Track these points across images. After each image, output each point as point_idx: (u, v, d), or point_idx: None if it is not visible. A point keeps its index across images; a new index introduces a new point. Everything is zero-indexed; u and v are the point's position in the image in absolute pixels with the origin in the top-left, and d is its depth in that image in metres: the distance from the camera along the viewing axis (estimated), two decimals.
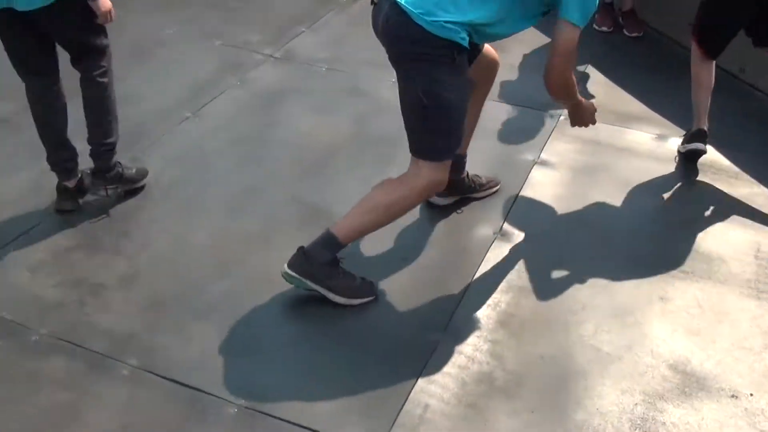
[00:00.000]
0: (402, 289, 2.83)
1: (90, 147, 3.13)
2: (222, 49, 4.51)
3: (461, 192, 3.25)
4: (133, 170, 3.28)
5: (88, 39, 3.00)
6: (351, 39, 4.71)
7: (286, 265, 2.68)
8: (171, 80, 4.16)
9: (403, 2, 2.43)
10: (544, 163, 3.55)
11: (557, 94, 2.71)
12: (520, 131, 3.79)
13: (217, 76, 4.21)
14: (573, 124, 2.98)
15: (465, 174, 3.23)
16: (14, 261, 2.92)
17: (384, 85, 4.20)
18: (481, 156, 3.41)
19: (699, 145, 3.47)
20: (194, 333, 2.62)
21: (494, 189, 3.36)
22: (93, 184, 3.19)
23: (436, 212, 3.21)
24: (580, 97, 2.82)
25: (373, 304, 2.76)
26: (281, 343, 2.60)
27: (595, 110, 2.95)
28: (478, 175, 3.31)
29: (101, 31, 3.02)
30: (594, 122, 2.97)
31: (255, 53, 4.48)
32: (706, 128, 3.49)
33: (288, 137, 3.72)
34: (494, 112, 3.78)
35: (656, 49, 4.69)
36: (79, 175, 3.14)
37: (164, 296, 2.77)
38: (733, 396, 2.44)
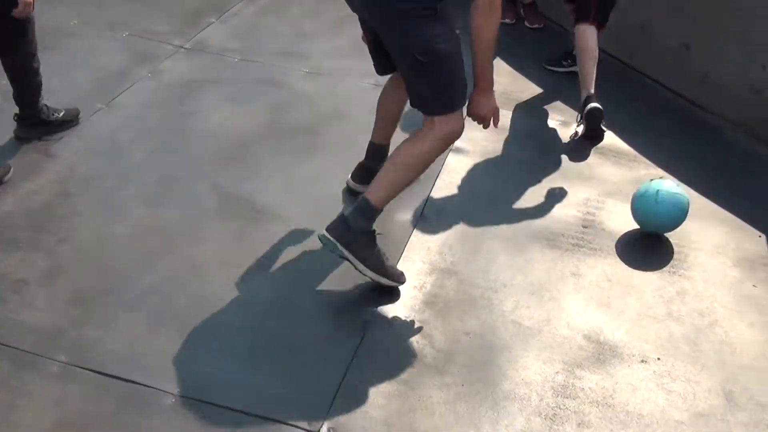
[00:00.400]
0: (331, 276, 2.87)
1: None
2: (130, 39, 4.42)
3: None
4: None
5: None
6: (261, 29, 4.70)
7: (324, 229, 2.69)
8: (80, 72, 4.05)
9: None
10: (458, 151, 3.66)
11: (482, 19, 2.57)
12: None
13: (128, 68, 4.12)
14: (471, 111, 2.80)
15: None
16: None
17: (297, 75, 4.25)
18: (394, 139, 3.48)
19: (595, 104, 3.71)
20: (124, 326, 2.58)
21: None
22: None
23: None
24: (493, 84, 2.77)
25: (304, 292, 2.79)
26: (214, 331, 2.60)
27: (496, 115, 2.83)
28: None
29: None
30: (487, 125, 2.84)
31: (165, 44, 4.41)
32: (593, 93, 3.75)
33: (204, 128, 3.69)
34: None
35: (556, 40, 4.89)
36: None
37: (89, 290, 2.71)
38: (642, 361, 2.62)
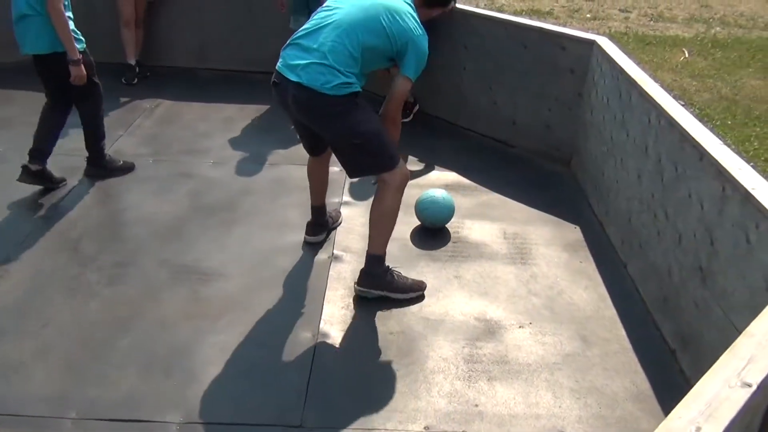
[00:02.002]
0: (278, 309, 3.04)
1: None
2: (56, 158, 4.36)
3: (327, 229, 3.58)
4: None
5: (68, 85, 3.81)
6: (165, 135, 4.80)
7: (355, 285, 3.05)
8: (15, 190, 3.92)
9: (303, 81, 2.67)
10: (348, 204, 3.95)
11: (389, 130, 2.91)
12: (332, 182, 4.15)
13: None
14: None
15: (327, 215, 3.57)
16: None
17: (205, 166, 4.39)
18: (300, 204, 3.72)
19: None
20: (117, 380, 2.60)
21: (341, 218, 3.72)
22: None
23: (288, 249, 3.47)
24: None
25: (261, 325, 2.93)
26: (193, 368, 2.68)
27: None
28: (336, 209, 3.70)
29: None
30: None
31: (84, 157, 4.39)
32: None
33: (139, 217, 3.74)
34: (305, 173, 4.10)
35: None
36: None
37: (79, 359, 2.71)
38: (520, 327, 2.98)
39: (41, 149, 3.92)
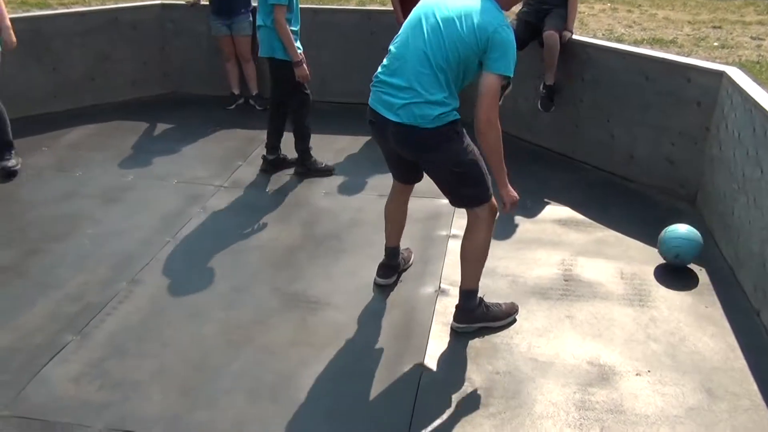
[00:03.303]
0: (382, 341, 3.03)
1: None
2: (179, 186, 4.64)
3: (399, 271, 3.52)
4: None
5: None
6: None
7: (453, 323, 3.05)
8: (144, 216, 4.22)
9: (404, 121, 2.67)
10: (455, 236, 3.91)
11: (489, 135, 2.65)
12: (434, 216, 4.14)
13: (183, 207, 4.32)
14: (503, 197, 2.84)
15: (401, 256, 3.50)
16: (57, 376, 2.88)
17: (318, 196, 4.50)
18: (408, 235, 3.72)
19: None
20: (226, 406, 2.67)
21: (412, 258, 3.65)
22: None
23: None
24: (507, 179, 2.81)
25: (365, 357, 2.93)
26: (299, 398, 2.69)
27: (515, 203, 2.86)
28: (408, 249, 3.62)
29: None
30: (507, 210, 2.88)
31: (207, 185, 4.64)
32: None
33: (255, 244, 3.87)
34: (414, 204, 4.12)
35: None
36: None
37: (194, 382, 2.80)
38: (637, 374, 2.80)
39: (272, 143, 4.80)
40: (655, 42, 6.57)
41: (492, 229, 2.96)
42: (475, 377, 2.81)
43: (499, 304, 3.10)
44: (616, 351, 2.93)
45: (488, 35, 2.58)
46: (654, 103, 4.28)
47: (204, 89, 6.48)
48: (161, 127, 5.76)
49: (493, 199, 2.91)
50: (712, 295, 3.32)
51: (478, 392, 2.72)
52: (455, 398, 2.69)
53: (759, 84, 3.62)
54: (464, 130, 2.81)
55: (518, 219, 4.12)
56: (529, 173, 4.74)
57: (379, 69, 2.85)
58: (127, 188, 4.61)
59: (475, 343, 3.00)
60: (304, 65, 4.39)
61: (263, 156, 4.86)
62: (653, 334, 3.04)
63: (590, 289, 3.39)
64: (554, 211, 4.24)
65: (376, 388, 2.75)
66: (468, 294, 3.02)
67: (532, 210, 4.25)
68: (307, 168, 4.78)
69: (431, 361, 2.90)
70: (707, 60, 4.87)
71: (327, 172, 4.80)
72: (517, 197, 2.86)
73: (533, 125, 5.19)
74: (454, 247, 3.78)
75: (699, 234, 3.52)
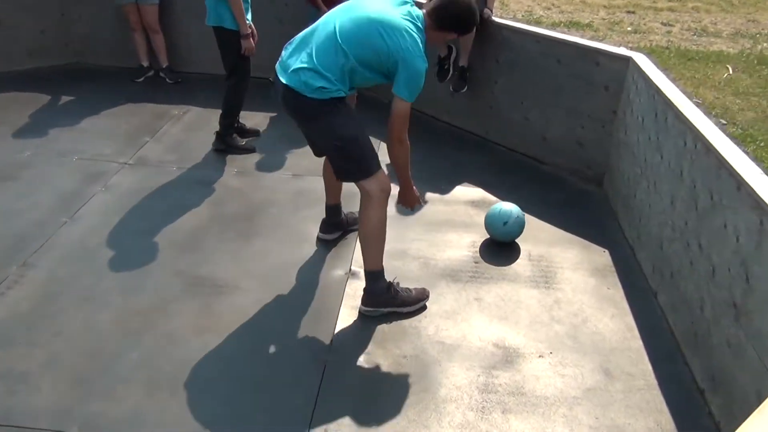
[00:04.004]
0: (290, 326, 2.97)
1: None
2: (80, 163, 4.39)
3: (343, 228, 3.60)
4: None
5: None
6: (190, 142, 4.79)
7: (361, 306, 3.01)
8: (41, 194, 3.98)
9: (289, 84, 2.73)
10: None
11: (398, 151, 2.82)
12: (347, 196, 4.07)
13: (82, 186, 4.09)
14: (399, 201, 3.10)
15: (343, 215, 3.57)
16: None
17: (229, 175, 4.35)
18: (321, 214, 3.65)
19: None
20: (123, 396, 2.56)
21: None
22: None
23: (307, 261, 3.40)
24: (412, 184, 3.03)
25: (268, 342, 2.86)
26: (199, 387, 2.61)
27: (419, 199, 3.11)
28: (352, 212, 3.62)
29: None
30: (414, 205, 3.12)
31: (111, 162, 4.41)
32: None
33: (159, 225, 3.71)
34: None
35: (424, 127, 5.25)
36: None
37: (87, 372, 2.67)
38: (540, 356, 2.85)
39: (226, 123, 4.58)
40: (572, 25, 6.69)
41: (384, 208, 2.92)
42: (381, 361, 2.79)
43: (410, 290, 3.09)
44: (521, 333, 2.98)
45: (400, 58, 2.65)
46: (566, 86, 4.35)
47: (110, 60, 6.17)
48: (63, 100, 5.44)
49: (383, 176, 2.90)
50: (614, 277, 3.42)
51: (384, 376, 2.71)
52: (361, 384, 2.67)
53: (663, 70, 3.73)
54: (349, 106, 2.87)
55: (431, 200, 4.11)
56: (444, 155, 4.75)
57: (295, 37, 2.91)
58: (23, 165, 4.34)
59: (383, 327, 2.98)
60: (251, 39, 4.28)
61: (216, 132, 4.64)
62: (557, 316, 3.10)
63: (499, 271, 3.43)
64: (467, 192, 4.26)
65: (280, 373, 2.69)
66: (372, 276, 2.99)
67: (445, 191, 4.26)
68: (227, 144, 4.61)
69: (338, 345, 2.86)
70: (619, 44, 4.98)
71: (247, 151, 4.64)
72: (417, 199, 3.11)
73: (451, 107, 5.20)
74: None
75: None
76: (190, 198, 4.02)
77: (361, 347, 2.86)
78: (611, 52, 4.08)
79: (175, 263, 3.38)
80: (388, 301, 3.01)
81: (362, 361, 2.78)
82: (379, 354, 2.83)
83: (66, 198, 3.95)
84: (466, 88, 4.86)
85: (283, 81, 2.78)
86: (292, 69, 2.77)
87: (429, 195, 4.18)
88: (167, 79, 5.93)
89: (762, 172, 2.47)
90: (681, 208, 3.00)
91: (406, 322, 3.01)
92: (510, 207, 3.62)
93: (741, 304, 2.38)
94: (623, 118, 4.00)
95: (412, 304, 3.05)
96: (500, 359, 2.82)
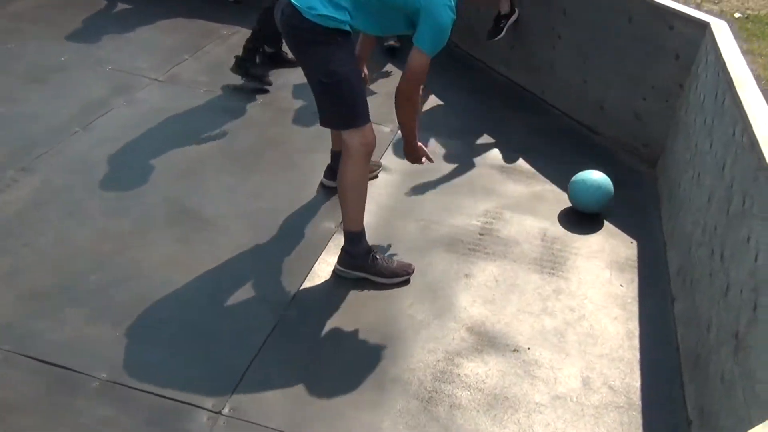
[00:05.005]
0: (255, 277, 2.80)
1: None
2: (112, 73, 4.34)
3: None
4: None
5: None
6: (227, 65, 4.56)
7: (336, 264, 2.79)
8: (65, 100, 3.96)
9: (294, 1, 2.44)
10: (384, 169, 3.59)
11: (403, 109, 2.60)
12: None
13: (107, 97, 4.03)
14: (405, 156, 2.89)
15: None
16: None
17: (252, 104, 4.18)
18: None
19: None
20: (67, 319, 2.49)
21: (375, 172, 3.43)
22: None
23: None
24: (418, 141, 2.81)
25: (229, 290, 2.71)
26: (144, 324, 2.51)
27: (426, 154, 2.86)
28: None
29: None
30: (421, 161, 2.88)
31: (142, 77, 4.33)
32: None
33: (164, 149, 3.59)
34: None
35: (478, 75, 4.84)
36: None
37: (44, 287, 2.62)
38: (514, 350, 2.55)
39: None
40: None
41: (365, 166, 2.67)
42: (339, 326, 2.58)
43: (391, 261, 2.83)
44: (502, 321, 2.67)
45: (422, 5, 2.40)
46: (633, 49, 3.81)
47: None
48: (119, 7, 5.39)
49: (369, 131, 2.62)
50: (633, 273, 3.01)
51: (335, 344, 2.50)
52: (307, 348, 2.48)
53: (740, 43, 3.16)
54: (351, 46, 2.56)
55: (456, 160, 3.78)
56: (489, 108, 4.36)
57: None
58: (57, 69, 4.33)
59: (356, 291, 2.76)
60: None
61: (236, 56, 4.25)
62: (551, 308, 2.77)
63: (503, 248, 3.09)
64: (500, 155, 3.88)
65: (230, 325, 2.54)
66: (350, 236, 2.76)
67: (476, 150, 3.91)
68: (244, 70, 4.23)
69: (297, 306, 2.66)
70: (696, 8, 4.33)
71: (262, 84, 4.26)
72: (425, 151, 2.85)
73: (510, 58, 4.74)
74: (371, 181, 3.49)
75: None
76: (206, 124, 3.88)
77: (324, 308, 2.66)
78: (688, 15, 3.51)
79: (167, 190, 3.27)
80: (365, 267, 2.77)
81: (318, 323, 2.59)
82: (339, 319, 2.62)
83: (87, 107, 3.91)
84: (500, 36, 4.42)
85: None
86: None
87: (457, 152, 3.84)
88: None
89: None
90: (715, 209, 2.55)
91: (380, 290, 2.76)
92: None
93: (743, 335, 1.97)
94: (688, 93, 3.47)
95: (388, 276, 2.78)
96: (469, 347, 2.54)
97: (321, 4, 2.42)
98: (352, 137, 2.59)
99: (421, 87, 2.64)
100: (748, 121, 2.37)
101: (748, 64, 2.92)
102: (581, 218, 3.36)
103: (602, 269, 3.02)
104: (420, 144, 2.85)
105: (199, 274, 2.77)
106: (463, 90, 4.62)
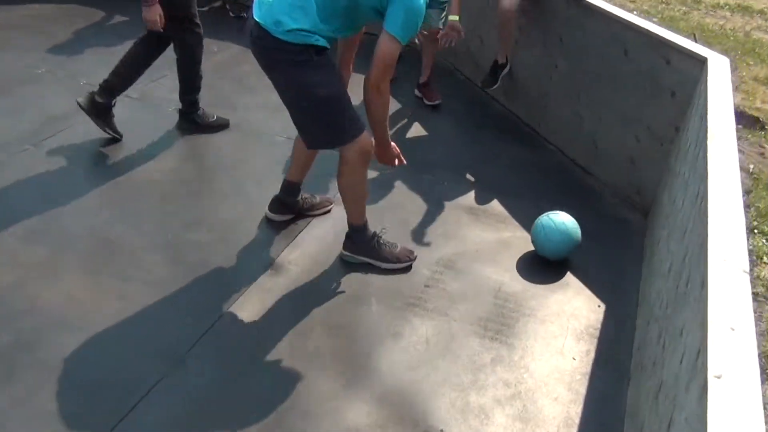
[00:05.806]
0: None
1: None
2: (84, 88, 4.18)
3: (296, 212, 3.12)
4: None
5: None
6: (207, 85, 4.42)
7: (342, 250, 2.86)
8: (25, 115, 3.83)
9: (260, 19, 2.32)
10: (337, 203, 3.30)
11: (374, 103, 2.42)
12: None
13: (69, 113, 3.87)
14: (379, 160, 2.71)
15: (300, 197, 3.10)
16: None
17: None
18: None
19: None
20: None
21: (328, 208, 3.21)
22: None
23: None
24: (390, 140, 2.66)
25: (119, 332, 2.47)
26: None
27: (398, 154, 2.71)
28: (313, 196, 3.16)
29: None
30: (394, 164, 2.72)
31: None
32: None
33: (109, 173, 3.38)
34: None
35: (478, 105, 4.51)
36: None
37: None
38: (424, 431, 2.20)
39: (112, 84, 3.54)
40: (743, 9, 5.43)
41: (365, 169, 2.64)
42: (231, 391, 2.29)
43: (395, 246, 2.88)
44: (421, 394, 2.32)
45: None
46: (628, 84, 3.43)
47: None
48: (115, 20, 5.31)
49: (364, 143, 2.55)
50: (591, 344, 2.61)
51: (221, 406, 2.21)
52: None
53: (734, 81, 2.74)
54: (330, 63, 2.41)
55: (423, 197, 3.45)
56: (480, 142, 4.02)
57: None
58: (27, 81, 4.23)
59: (262, 344, 2.47)
60: (155, 8, 3.31)
61: (90, 92, 3.59)
62: (481, 381, 2.39)
63: (446, 304, 2.74)
64: (473, 195, 3.53)
65: (108, 373, 2.29)
66: (353, 228, 2.84)
67: (448, 188, 3.57)
68: (196, 124, 3.83)
69: (195, 355, 2.39)
70: (694, 41, 3.89)
71: (220, 127, 3.87)
72: (398, 152, 2.71)
73: (508, 88, 4.40)
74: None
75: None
76: (163, 146, 3.69)
77: (222, 363, 2.38)
78: (685, 49, 3.11)
79: (96, 218, 3.05)
80: (368, 251, 2.84)
81: (209, 382, 2.30)
82: (232, 383, 2.33)
83: (47, 123, 3.77)
84: (496, 86, 4.18)
85: (256, 18, 2.36)
86: (268, 4, 2.33)
87: (425, 188, 3.52)
88: (230, 12, 5.60)
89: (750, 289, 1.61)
90: (671, 283, 2.15)
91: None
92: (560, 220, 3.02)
93: None
94: (680, 138, 3.06)
95: (392, 261, 2.84)
96: (371, 424, 2.19)
97: (288, 17, 2.27)
98: (349, 150, 2.53)
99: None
100: (706, 183, 1.98)
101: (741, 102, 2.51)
102: (547, 270, 2.99)
103: (555, 337, 2.64)
104: (393, 143, 2.67)
105: (96, 313, 2.53)
106: (459, 119, 4.31)
